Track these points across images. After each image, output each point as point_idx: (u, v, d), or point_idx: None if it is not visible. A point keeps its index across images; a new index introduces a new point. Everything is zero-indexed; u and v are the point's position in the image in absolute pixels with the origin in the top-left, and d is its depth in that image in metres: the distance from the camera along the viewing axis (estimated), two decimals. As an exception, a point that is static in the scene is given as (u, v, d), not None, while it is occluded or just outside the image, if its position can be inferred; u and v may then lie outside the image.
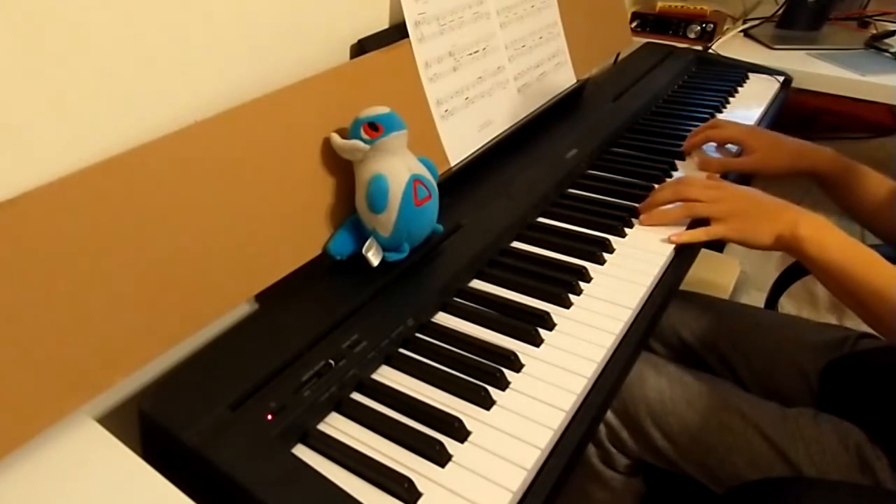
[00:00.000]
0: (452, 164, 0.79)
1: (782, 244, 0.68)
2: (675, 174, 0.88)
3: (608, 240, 0.72)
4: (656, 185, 0.84)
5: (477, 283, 0.67)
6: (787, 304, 1.03)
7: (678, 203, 0.74)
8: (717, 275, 1.39)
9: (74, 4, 0.47)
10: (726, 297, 1.36)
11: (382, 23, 0.76)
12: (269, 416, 0.48)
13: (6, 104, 0.45)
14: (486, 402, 0.52)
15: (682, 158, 0.92)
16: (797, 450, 0.69)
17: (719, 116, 1.07)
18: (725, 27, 1.41)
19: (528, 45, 0.94)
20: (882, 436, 0.67)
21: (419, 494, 0.45)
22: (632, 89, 1.13)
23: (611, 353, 0.58)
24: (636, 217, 0.77)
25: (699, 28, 1.34)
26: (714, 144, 0.93)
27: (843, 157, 0.85)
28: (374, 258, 0.62)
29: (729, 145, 0.93)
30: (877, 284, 0.61)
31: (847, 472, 0.67)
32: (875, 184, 0.83)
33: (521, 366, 0.56)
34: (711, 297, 0.97)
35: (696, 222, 0.73)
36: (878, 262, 0.62)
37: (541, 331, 0.59)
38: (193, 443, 0.46)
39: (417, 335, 0.60)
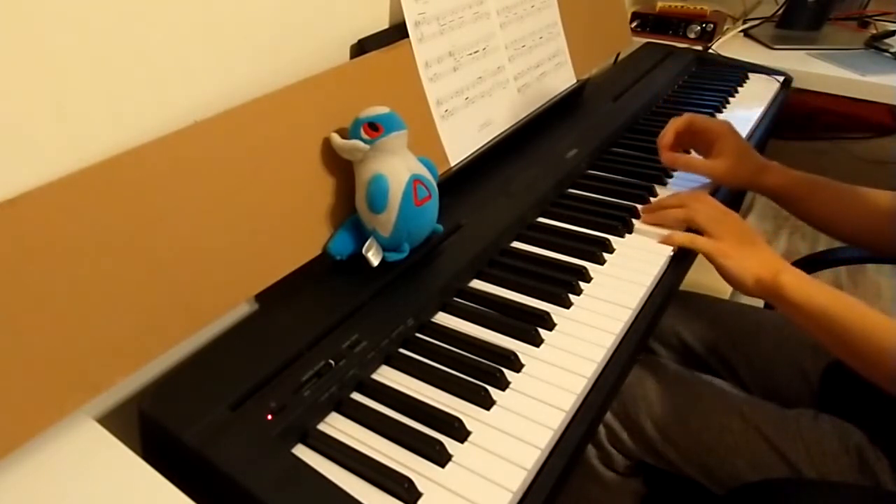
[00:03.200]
0: (452, 164, 0.79)
1: (762, 287, 0.67)
2: (676, 174, 0.88)
3: (608, 240, 0.72)
4: (656, 186, 0.84)
5: (477, 283, 0.67)
6: (787, 305, 1.03)
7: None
8: (717, 275, 1.39)
9: (74, 4, 0.47)
10: (726, 297, 1.36)
11: (382, 23, 0.76)
12: (269, 416, 0.48)
13: (6, 104, 0.45)
14: (486, 402, 0.52)
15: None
16: (797, 451, 0.69)
17: (719, 117, 1.06)
18: (725, 27, 1.41)
19: (528, 45, 0.94)
20: (882, 437, 0.67)
21: (419, 494, 0.45)
22: (632, 89, 1.13)
23: (611, 353, 0.58)
24: (636, 217, 0.77)
25: (699, 28, 1.35)
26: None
27: (803, 175, 0.81)
28: (374, 258, 0.62)
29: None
30: (861, 326, 0.61)
31: (847, 474, 0.67)
32: (855, 197, 0.79)
33: (521, 366, 0.56)
34: (711, 298, 0.97)
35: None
36: (860, 307, 0.62)
37: (541, 331, 0.59)
38: (193, 443, 0.46)
39: (417, 335, 0.60)
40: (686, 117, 0.84)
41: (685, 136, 0.84)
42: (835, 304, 0.63)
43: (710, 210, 0.73)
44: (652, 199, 0.82)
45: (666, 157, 0.83)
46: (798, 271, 0.66)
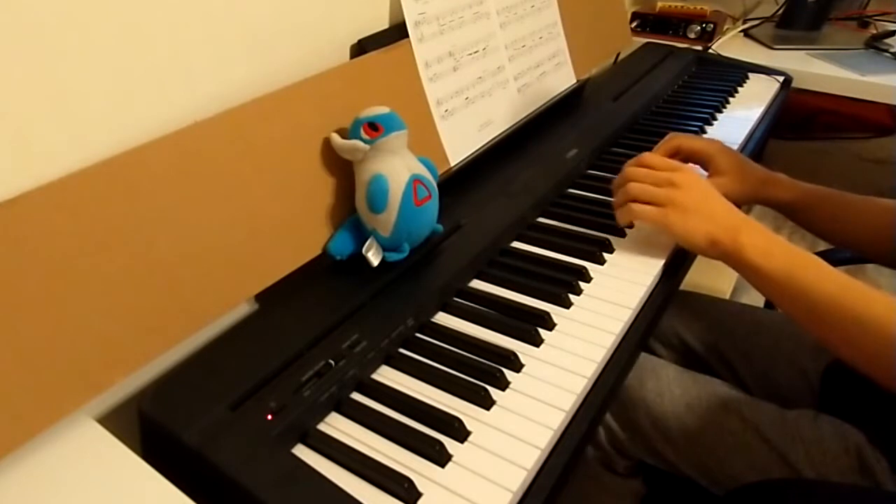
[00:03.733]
0: (452, 164, 0.79)
1: (719, 250, 0.62)
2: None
3: (608, 240, 0.72)
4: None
5: (477, 283, 0.67)
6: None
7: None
8: (717, 275, 1.39)
9: (75, 4, 0.47)
10: (726, 297, 1.36)
11: (382, 23, 0.76)
12: (269, 416, 0.48)
13: (7, 104, 0.45)
14: (486, 402, 0.52)
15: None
16: (797, 452, 0.69)
17: (719, 116, 1.07)
18: (725, 27, 1.41)
19: (528, 45, 0.94)
20: (882, 438, 0.67)
21: (419, 494, 0.45)
22: (632, 89, 1.13)
23: (611, 353, 0.58)
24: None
25: (699, 28, 1.34)
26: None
27: (813, 188, 0.78)
28: (374, 258, 0.62)
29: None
30: (827, 289, 0.57)
31: (847, 474, 0.67)
32: (865, 207, 0.77)
33: (521, 366, 0.56)
34: (711, 297, 0.97)
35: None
36: (825, 268, 0.58)
37: (541, 331, 0.59)
38: (193, 443, 0.46)
39: (417, 335, 0.60)
40: (673, 143, 0.81)
41: (676, 158, 0.81)
42: (801, 267, 0.57)
43: (650, 175, 0.68)
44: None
45: None
46: (758, 227, 0.61)
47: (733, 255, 0.62)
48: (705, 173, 0.82)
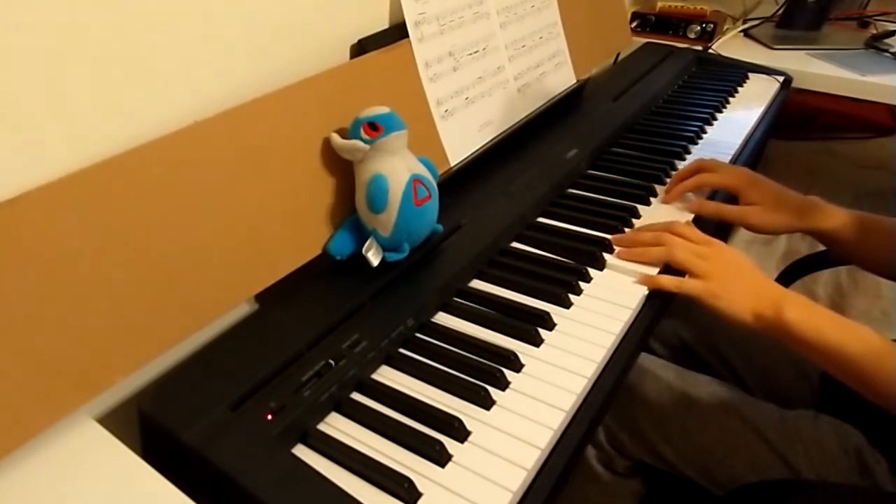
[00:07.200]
0: (452, 164, 0.79)
1: (764, 324, 0.62)
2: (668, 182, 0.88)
3: (608, 240, 0.72)
4: (656, 186, 0.84)
5: (477, 283, 0.67)
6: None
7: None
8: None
9: (74, 4, 0.47)
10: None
11: (382, 23, 0.76)
12: (269, 416, 0.48)
13: (6, 104, 0.45)
14: (486, 402, 0.52)
15: (682, 159, 0.92)
16: (797, 452, 0.69)
17: (719, 117, 1.07)
18: (725, 27, 1.41)
19: (528, 45, 0.94)
20: (882, 439, 0.67)
21: (419, 494, 0.45)
22: (632, 89, 1.13)
23: (611, 353, 0.58)
24: (637, 217, 0.77)
25: (699, 28, 1.34)
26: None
27: (855, 214, 0.75)
28: (374, 258, 0.62)
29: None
30: (874, 359, 0.57)
31: (846, 475, 0.67)
32: None
33: (521, 366, 0.56)
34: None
35: (672, 270, 0.67)
36: (871, 337, 0.58)
37: (541, 331, 0.59)
38: (193, 443, 0.46)
39: (417, 335, 0.60)
40: (695, 180, 0.80)
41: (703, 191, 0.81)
42: (845, 337, 0.59)
43: (690, 246, 0.67)
44: (652, 199, 0.82)
45: (693, 206, 0.79)
46: (800, 300, 0.62)
47: (779, 330, 0.62)
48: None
